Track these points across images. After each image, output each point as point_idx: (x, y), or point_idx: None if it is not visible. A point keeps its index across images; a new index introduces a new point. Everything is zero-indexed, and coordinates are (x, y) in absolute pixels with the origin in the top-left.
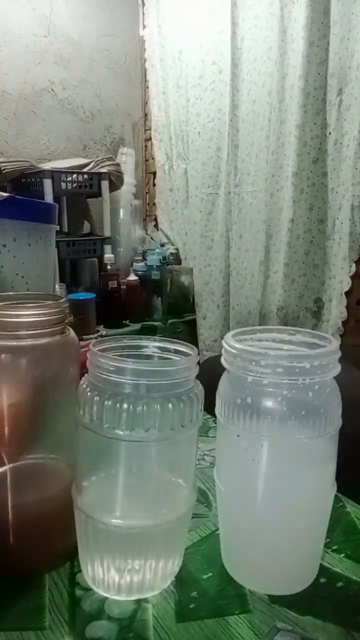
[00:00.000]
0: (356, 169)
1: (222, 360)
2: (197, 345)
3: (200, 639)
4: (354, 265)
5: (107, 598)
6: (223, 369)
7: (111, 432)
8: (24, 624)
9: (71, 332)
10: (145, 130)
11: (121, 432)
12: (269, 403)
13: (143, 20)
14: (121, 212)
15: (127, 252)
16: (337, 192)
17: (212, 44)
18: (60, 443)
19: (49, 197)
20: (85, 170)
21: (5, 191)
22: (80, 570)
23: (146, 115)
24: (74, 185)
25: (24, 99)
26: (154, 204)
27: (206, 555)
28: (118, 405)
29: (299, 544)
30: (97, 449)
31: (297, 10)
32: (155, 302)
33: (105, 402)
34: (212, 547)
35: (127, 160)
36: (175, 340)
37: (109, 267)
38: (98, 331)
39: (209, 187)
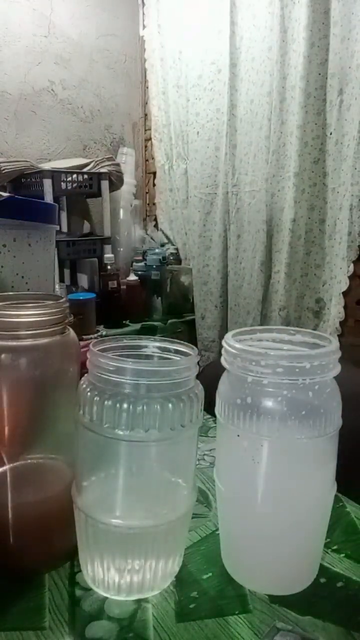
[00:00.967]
0: (355, 168)
1: (222, 360)
2: (196, 345)
3: (200, 639)
4: (352, 265)
5: (107, 598)
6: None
7: (111, 432)
8: (24, 624)
9: (71, 332)
10: (145, 130)
11: (121, 432)
12: (269, 403)
13: (143, 20)
14: (121, 212)
15: (127, 252)
16: (337, 192)
17: (211, 44)
18: (60, 443)
19: (49, 197)
20: (85, 170)
21: (5, 191)
22: (80, 570)
23: (146, 115)
24: (74, 185)
25: (24, 99)
26: (154, 204)
27: (206, 555)
28: (118, 405)
29: (299, 544)
30: (97, 449)
31: (297, 11)
32: (155, 302)
33: (105, 402)
34: (212, 547)
35: (127, 160)
36: (175, 340)
37: (109, 267)
38: (98, 331)
39: (207, 187)
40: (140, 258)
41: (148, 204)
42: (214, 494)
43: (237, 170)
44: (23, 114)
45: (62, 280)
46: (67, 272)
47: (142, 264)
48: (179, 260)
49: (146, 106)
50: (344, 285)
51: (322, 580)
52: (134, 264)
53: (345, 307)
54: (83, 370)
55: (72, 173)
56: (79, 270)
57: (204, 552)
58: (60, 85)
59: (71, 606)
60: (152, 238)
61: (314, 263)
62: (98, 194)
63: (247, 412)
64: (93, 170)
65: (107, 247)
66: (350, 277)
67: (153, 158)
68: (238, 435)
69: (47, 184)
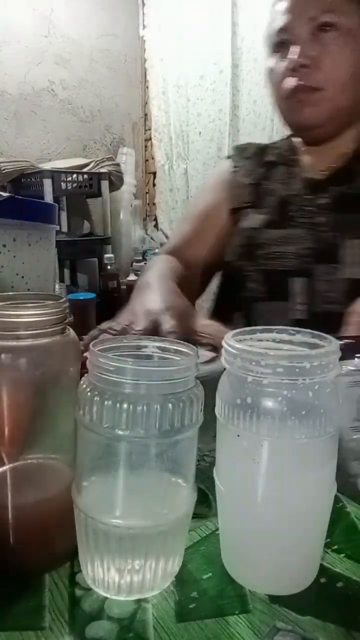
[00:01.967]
0: None
1: (222, 360)
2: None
3: (200, 639)
4: None
5: (107, 598)
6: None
7: (111, 432)
8: (24, 624)
9: (71, 332)
10: (145, 130)
11: (121, 432)
12: (269, 403)
13: (143, 20)
14: (121, 212)
15: (127, 252)
16: None
17: (212, 44)
18: (60, 443)
19: (49, 197)
20: (85, 170)
21: (5, 191)
22: (80, 571)
23: (146, 115)
24: (74, 185)
25: (24, 99)
26: (154, 204)
27: (206, 555)
28: (118, 405)
29: (299, 544)
30: (97, 449)
31: None
32: None
33: (105, 402)
34: (212, 547)
35: (127, 160)
36: (175, 340)
37: (109, 267)
38: None
39: None
40: (140, 258)
41: (148, 204)
42: (214, 494)
43: None
44: (23, 114)
45: (62, 280)
46: (67, 272)
47: (142, 264)
48: None
49: (146, 106)
50: None
51: (322, 580)
52: (134, 264)
53: None
54: (83, 370)
55: (72, 173)
56: (79, 270)
57: (204, 552)
58: (60, 85)
59: (71, 606)
60: (152, 238)
61: None
62: (98, 194)
63: (247, 412)
64: (93, 170)
65: (107, 247)
66: None
67: (153, 158)
68: (238, 435)
69: (47, 184)
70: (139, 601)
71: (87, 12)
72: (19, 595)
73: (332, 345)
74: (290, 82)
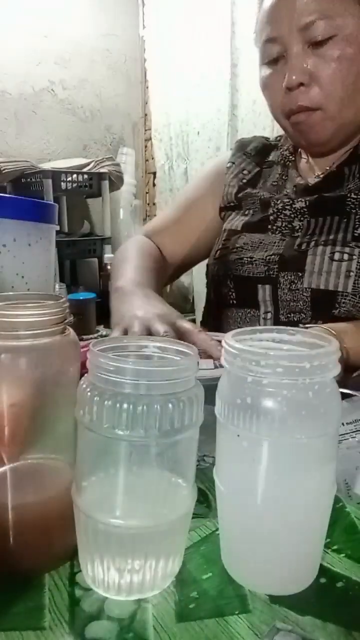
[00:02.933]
0: None
1: (222, 360)
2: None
3: (200, 639)
4: None
5: (107, 598)
6: None
7: (111, 432)
8: (24, 624)
9: (71, 332)
10: (145, 130)
11: (121, 432)
12: (269, 403)
13: (143, 20)
14: (121, 212)
15: None
16: None
17: (211, 44)
18: (60, 443)
19: (49, 197)
20: (85, 170)
21: (5, 191)
22: (80, 570)
23: (146, 115)
24: (74, 185)
25: (24, 99)
26: (154, 204)
27: (206, 555)
28: (118, 405)
29: (299, 544)
30: (97, 449)
31: None
32: None
33: (105, 402)
34: (212, 547)
35: (127, 160)
36: (175, 340)
37: (109, 267)
38: (98, 331)
39: None
40: None
41: (148, 204)
42: (214, 494)
43: None
44: (23, 114)
45: (62, 280)
46: (67, 272)
47: None
48: None
49: (146, 106)
50: None
51: (322, 580)
52: None
53: None
54: (83, 370)
55: (72, 173)
56: (79, 270)
57: (204, 552)
58: (60, 85)
59: (71, 606)
60: None
61: None
62: (98, 194)
63: (247, 412)
64: (93, 170)
65: (107, 247)
66: None
67: (153, 158)
68: (238, 435)
69: (47, 184)
70: (139, 601)
71: (87, 12)
72: (19, 595)
73: (332, 345)
74: (288, 103)
